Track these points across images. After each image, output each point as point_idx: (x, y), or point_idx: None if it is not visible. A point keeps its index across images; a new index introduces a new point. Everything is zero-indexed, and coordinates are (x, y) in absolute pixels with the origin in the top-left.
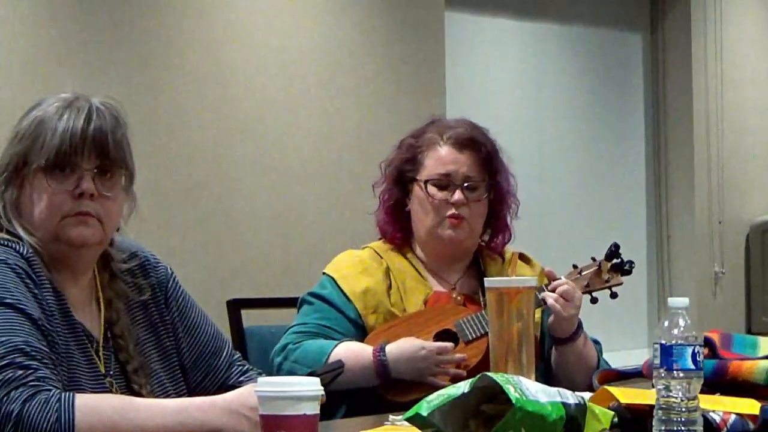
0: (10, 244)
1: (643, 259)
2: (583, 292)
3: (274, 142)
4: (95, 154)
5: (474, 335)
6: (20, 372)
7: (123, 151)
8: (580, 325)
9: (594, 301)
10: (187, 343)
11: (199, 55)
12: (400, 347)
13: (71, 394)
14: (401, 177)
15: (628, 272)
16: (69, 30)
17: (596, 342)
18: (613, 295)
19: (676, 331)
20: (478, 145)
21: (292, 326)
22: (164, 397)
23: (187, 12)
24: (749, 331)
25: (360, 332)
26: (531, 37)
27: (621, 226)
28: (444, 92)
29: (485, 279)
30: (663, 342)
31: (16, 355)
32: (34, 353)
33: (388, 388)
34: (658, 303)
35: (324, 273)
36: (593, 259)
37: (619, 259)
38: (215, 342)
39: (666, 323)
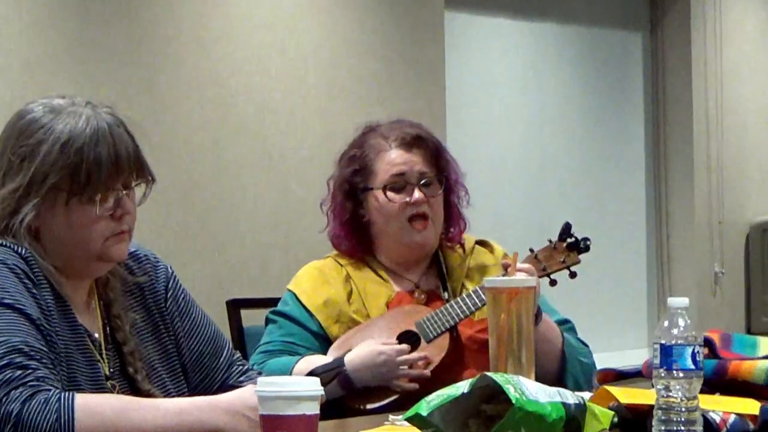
0: (8, 244)
1: (643, 259)
2: (541, 276)
3: (274, 142)
4: (132, 175)
5: (435, 333)
6: (19, 372)
7: (147, 165)
8: (539, 310)
9: (553, 283)
10: (187, 342)
11: (199, 55)
12: (359, 355)
13: (71, 394)
14: (352, 190)
15: (585, 249)
16: (69, 30)
17: (566, 321)
18: (572, 275)
19: (676, 331)
20: (425, 142)
21: (259, 346)
22: (165, 396)
23: (187, 12)
24: (749, 331)
25: (324, 344)
26: (531, 37)
27: (621, 226)
28: (444, 92)
29: (484, 279)
30: (663, 342)
31: (15, 356)
32: (33, 353)
33: (353, 397)
34: (658, 303)
35: (287, 289)
36: (549, 241)
37: (573, 238)
38: (216, 342)
39: (666, 323)
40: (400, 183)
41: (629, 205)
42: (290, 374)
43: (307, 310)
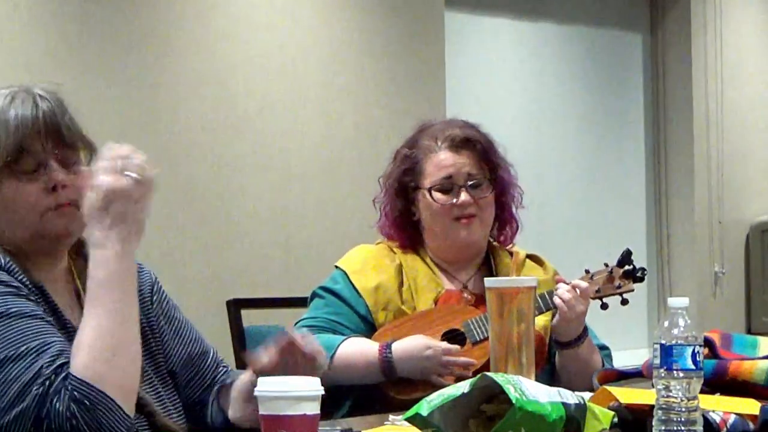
0: None
1: (643, 259)
2: (593, 298)
3: (274, 142)
4: (51, 138)
5: (481, 336)
6: (53, 375)
7: (77, 129)
8: (585, 331)
9: (604, 307)
10: (174, 344)
11: (199, 55)
12: (406, 346)
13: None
14: (403, 188)
15: (641, 279)
16: (69, 30)
17: (604, 347)
18: (624, 302)
19: (676, 331)
20: (473, 143)
21: (303, 319)
22: (154, 397)
23: (187, 12)
24: (749, 331)
25: (369, 328)
26: (531, 37)
27: (621, 226)
28: (444, 92)
29: (485, 279)
30: (663, 342)
31: (42, 358)
32: (48, 348)
33: (392, 386)
34: (658, 303)
35: (336, 266)
36: (606, 265)
37: (632, 266)
38: (201, 344)
39: (666, 323)
40: (447, 185)
41: (629, 205)
42: (334, 352)
43: (357, 292)
